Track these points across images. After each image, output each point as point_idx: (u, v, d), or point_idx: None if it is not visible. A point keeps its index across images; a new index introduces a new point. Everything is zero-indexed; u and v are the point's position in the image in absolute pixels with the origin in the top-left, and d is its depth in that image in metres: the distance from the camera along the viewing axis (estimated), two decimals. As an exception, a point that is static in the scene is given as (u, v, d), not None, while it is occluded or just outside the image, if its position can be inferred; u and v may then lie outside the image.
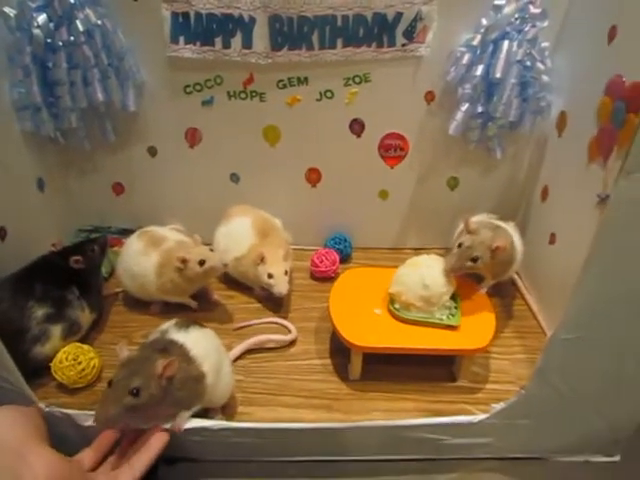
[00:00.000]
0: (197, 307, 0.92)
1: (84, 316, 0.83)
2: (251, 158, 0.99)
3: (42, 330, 0.77)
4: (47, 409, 0.65)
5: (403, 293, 0.78)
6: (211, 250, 0.87)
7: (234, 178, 1.03)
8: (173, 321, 0.71)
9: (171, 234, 0.92)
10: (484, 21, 0.82)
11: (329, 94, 0.91)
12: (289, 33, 0.84)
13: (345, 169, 0.99)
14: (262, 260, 0.88)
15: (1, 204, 0.83)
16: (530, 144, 0.96)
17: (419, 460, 0.72)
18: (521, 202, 1.02)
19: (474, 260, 0.79)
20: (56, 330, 0.78)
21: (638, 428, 0.71)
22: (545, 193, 0.92)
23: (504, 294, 0.96)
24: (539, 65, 0.83)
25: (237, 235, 0.94)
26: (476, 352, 0.77)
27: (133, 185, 1.04)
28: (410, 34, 0.84)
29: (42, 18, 0.79)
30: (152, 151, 1.00)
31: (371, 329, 0.77)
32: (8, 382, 0.63)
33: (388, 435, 0.70)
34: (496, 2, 0.80)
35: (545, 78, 0.84)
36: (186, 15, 0.83)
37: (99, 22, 0.82)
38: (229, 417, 0.72)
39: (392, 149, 0.97)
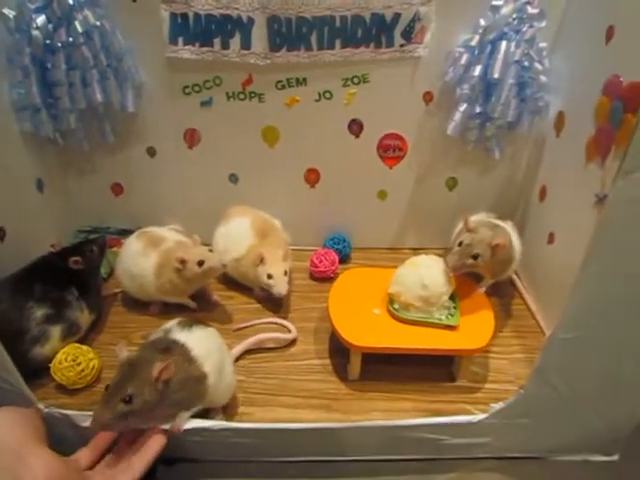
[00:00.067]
0: (196, 307, 0.92)
1: (83, 317, 0.83)
2: (250, 159, 0.99)
3: (41, 331, 0.77)
4: (46, 410, 0.65)
5: (402, 293, 0.78)
6: (210, 250, 0.87)
7: (233, 179, 1.03)
8: (176, 320, 0.71)
9: (170, 234, 0.92)
10: (482, 21, 0.82)
11: (328, 95, 0.91)
12: (288, 34, 0.84)
13: (344, 169, 1.00)
14: (261, 261, 0.88)
15: (0, 205, 0.83)
16: (528, 144, 0.96)
17: (418, 460, 0.72)
18: (519, 202, 1.03)
19: (475, 257, 0.80)
20: (55, 331, 0.78)
21: (636, 427, 0.71)
22: (543, 193, 0.93)
23: (503, 294, 0.96)
24: (537, 65, 0.84)
25: (236, 236, 0.94)
26: (475, 352, 0.77)
27: (132, 186, 1.04)
28: (408, 35, 0.85)
29: (41, 19, 0.79)
30: (151, 152, 1.00)
31: (370, 329, 0.77)
32: (7, 383, 0.63)
33: (387, 435, 0.70)
34: (494, 3, 0.80)
35: (543, 78, 0.85)
36: (185, 16, 0.83)
37: (98, 23, 0.82)
38: (229, 417, 0.72)
39: (391, 149, 0.98)
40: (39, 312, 0.77)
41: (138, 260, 0.88)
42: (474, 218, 0.85)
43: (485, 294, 0.86)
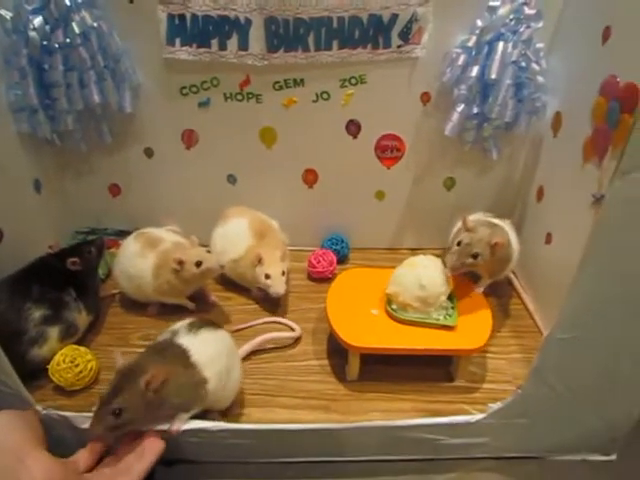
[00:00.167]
0: (194, 308, 0.92)
1: (81, 318, 0.83)
2: (248, 159, 0.99)
3: (39, 332, 0.77)
4: (44, 411, 0.65)
5: (400, 294, 0.78)
6: (208, 251, 0.87)
7: (231, 179, 1.03)
8: (187, 321, 0.71)
9: (168, 235, 0.92)
10: (479, 22, 0.82)
11: (325, 95, 0.91)
12: (285, 35, 0.84)
13: (342, 170, 1.00)
14: (259, 261, 0.88)
15: (-2, 206, 0.83)
16: (525, 144, 0.97)
17: (417, 460, 0.72)
18: (517, 202, 1.03)
19: (474, 257, 0.80)
20: (53, 332, 0.78)
21: (634, 427, 0.71)
22: (541, 193, 0.93)
23: (500, 294, 0.97)
24: (534, 66, 0.84)
25: (234, 236, 0.94)
26: (473, 352, 0.77)
27: (130, 187, 1.04)
28: (405, 35, 0.85)
29: (38, 20, 0.79)
30: (149, 152, 1.00)
31: (368, 330, 0.77)
32: (5, 385, 0.63)
33: (386, 435, 0.70)
34: (491, 3, 0.81)
35: (540, 79, 0.85)
36: (182, 17, 0.83)
37: (95, 24, 0.82)
38: (227, 418, 0.72)
39: (388, 150, 0.98)
40: (37, 313, 0.77)
41: (136, 261, 0.88)
42: (472, 217, 0.85)
43: (483, 294, 0.86)
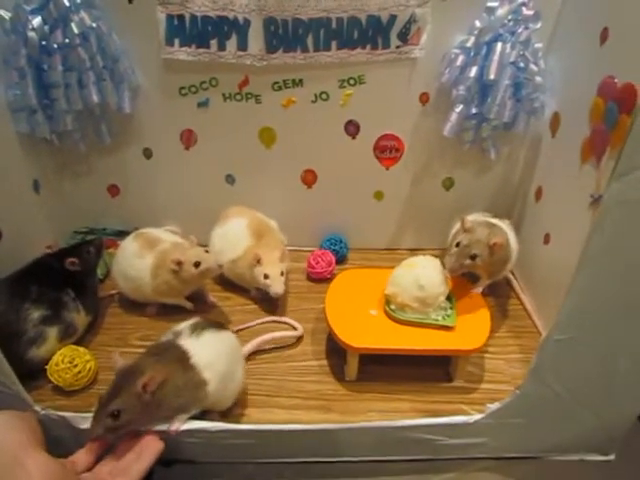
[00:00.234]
0: (193, 308, 0.92)
1: (80, 318, 0.83)
2: (246, 160, 0.99)
3: (38, 332, 0.77)
4: (43, 412, 0.65)
5: (398, 294, 0.78)
6: (206, 251, 0.87)
7: (230, 179, 1.03)
8: (191, 321, 0.71)
9: (166, 236, 0.92)
10: (478, 23, 0.82)
11: (324, 96, 0.91)
12: (284, 35, 0.84)
13: (340, 170, 1.00)
14: (258, 261, 0.88)
15: (-3, 206, 0.83)
16: (524, 145, 0.97)
17: (415, 460, 0.72)
18: (515, 202, 1.03)
19: (473, 258, 0.80)
20: (52, 332, 0.78)
21: (632, 427, 0.71)
22: (539, 193, 0.93)
23: (499, 294, 0.97)
24: (532, 66, 0.84)
25: (233, 236, 0.94)
26: (472, 352, 0.77)
27: (128, 187, 1.04)
28: (404, 36, 0.85)
29: (37, 21, 0.79)
30: (147, 153, 1.00)
31: (367, 330, 0.77)
32: (4, 385, 0.63)
33: (384, 436, 0.70)
34: (489, 4, 0.81)
35: (538, 79, 0.85)
36: (181, 17, 0.83)
37: (94, 25, 0.82)
38: (226, 418, 0.72)
39: (387, 150, 0.98)
40: (36, 313, 0.77)
41: (134, 261, 0.88)
42: (471, 218, 0.85)
43: (481, 294, 0.86)
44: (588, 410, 0.68)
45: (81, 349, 0.79)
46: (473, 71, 0.83)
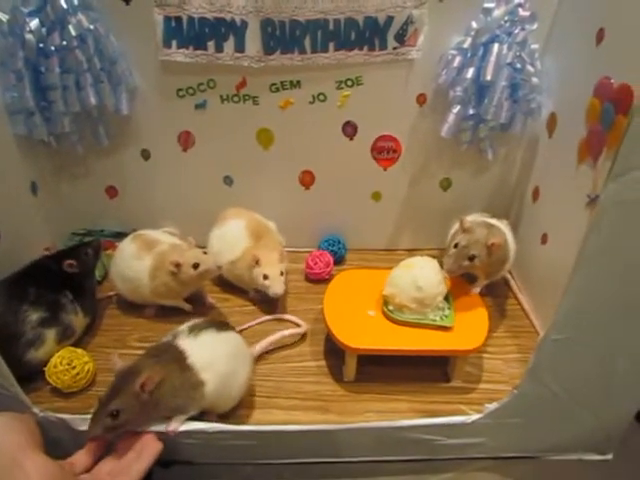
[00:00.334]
0: (192, 310, 0.92)
1: (78, 320, 0.83)
2: (244, 161, 0.99)
3: (36, 334, 0.77)
4: (41, 414, 0.65)
5: (396, 295, 0.78)
6: (205, 253, 0.87)
7: (228, 181, 1.03)
8: (190, 323, 0.71)
9: (164, 237, 0.92)
10: (474, 24, 0.82)
11: (322, 97, 0.92)
12: (281, 37, 0.84)
13: (338, 171, 1.00)
14: (257, 262, 0.88)
15: (-6, 208, 0.83)
16: (521, 145, 0.97)
17: (414, 461, 0.73)
18: (513, 203, 1.03)
19: (471, 259, 0.80)
20: (50, 334, 0.78)
21: (630, 426, 0.72)
22: (536, 194, 0.93)
23: (497, 294, 0.97)
24: (529, 67, 0.84)
25: (231, 238, 0.94)
26: (470, 353, 0.77)
27: (126, 188, 1.04)
28: (401, 37, 0.85)
29: (34, 23, 0.79)
30: (145, 154, 1.00)
31: (365, 331, 0.78)
32: (2, 387, 0.63)
33: (383, 436, 0.70)
34: (486, 5, 0.81)
35: (535, 80, 0.85)
36: (178, 19, 0.83)
37: (91, 27, 0.82)
38: (224, 420, 0.72)
39: (385, 151, 0.98)
40: (34, 315, 0.77)
41: (132, 263, 0.88)
42: (469, 218, 0.85)
43: (479, 294, 0.86)
44: (586, 410, 0.69)
45: (79, 351, 0.79)
46: (470, 72, 0.84)
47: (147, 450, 0.60)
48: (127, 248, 0.90)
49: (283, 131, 0.96)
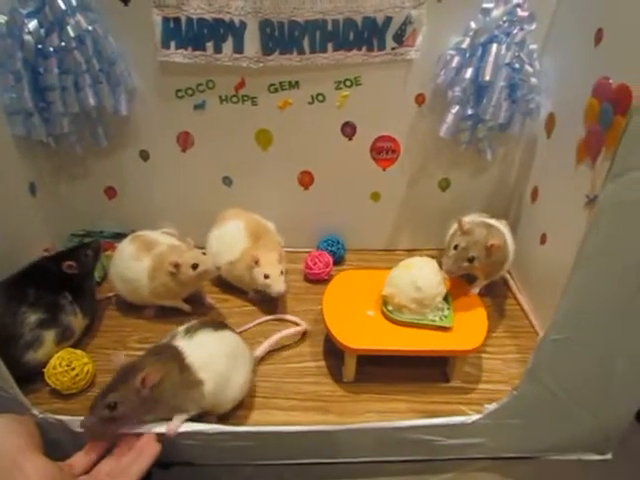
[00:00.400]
0: (191, 311, 0.92)
1: (77, 321, 0.83)
2: (243, 161, 0.99)
3: (35, 336, 0.77)
4: (41, 415, 0.65)
5: (396, 295, 0.78)
6: (204, 253, 0.87)
7: (227, 181, 1.03)
8: (189, 323, 0.71)
9: (163, 238, 0.92)
10: (473, 24, 0.82)
11: (320, 97, 0.92)
12: (280, 38, 0.84)
13: (337, 171, 1.00)
14: (256, 263, 0.88)
15: (-7, 209, 0.83)
16: (520, 145, 0.97)
17: (413, 461, 0.73)
18: (512, 203, 1.03)
19: (470, 260, 0.80)
20: (49, 335, 0.78)
21: (629, 425, 0.72)
22: (535, 194, 0.93)
23: (496, 294, 0.97)
24: (527, 67, 0.84)
25: (230, 238, 0.94)
26: (469, 353, 0.77)
27: (125, 189, 1.04)
28: (400, 38, 0.85)
29: (33, 24, 0.79)
30: (144, 155, 1.00)
31: (364, 331, 0.78)
32: (1, 389, 0.63)
33: (382, 437, 0.70)
34: (485, 5, 0.81)
35: (533, 80, 0.85)
36: (177, 20, 0.83)
37: (90, 28, 0.82)
38: (224, 420, 0.72)
39: (384, 151, 0.98)
40: (33, 317, 0.77)
41: (131, 264, 0.88)
42: (468, 219, 0.86)
43: (478, 295, 0.86)
44: (585, 410, 0.69)
45: (79, 352, 0.78)
46: (468, 72, 0.84)
47: (146, 451, 0.60)
48: (126, 249, 0.90)
49: (282, 131, 0.96)
